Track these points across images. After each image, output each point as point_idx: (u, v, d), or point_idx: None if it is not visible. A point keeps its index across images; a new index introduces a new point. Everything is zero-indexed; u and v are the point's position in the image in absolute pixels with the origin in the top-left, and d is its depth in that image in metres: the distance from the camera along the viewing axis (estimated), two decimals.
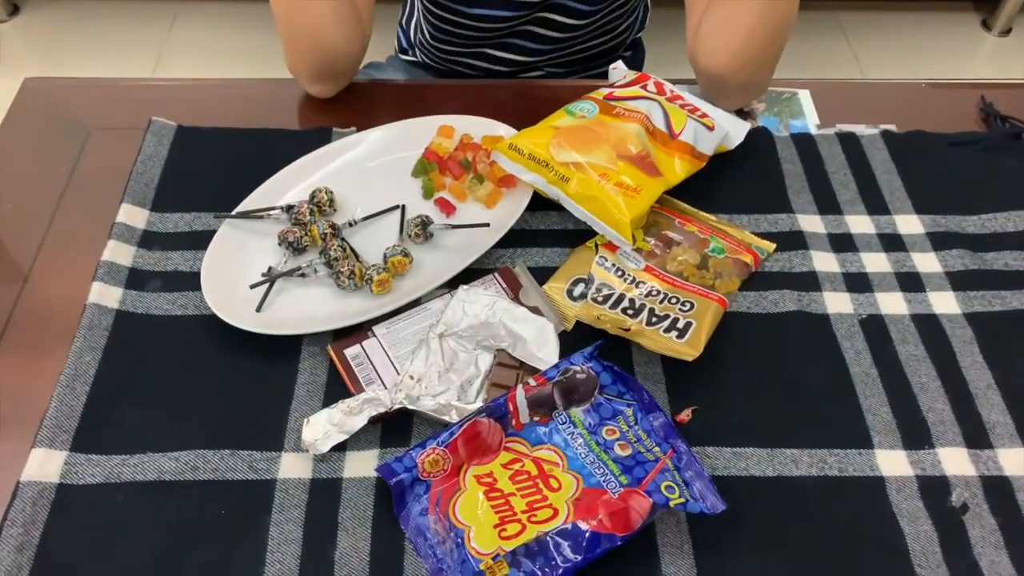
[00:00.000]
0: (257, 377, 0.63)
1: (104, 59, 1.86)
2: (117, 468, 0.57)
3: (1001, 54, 2.07)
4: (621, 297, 0.68)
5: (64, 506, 0.56)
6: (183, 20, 1.96)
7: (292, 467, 0.58)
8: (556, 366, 0.60)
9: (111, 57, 1.86)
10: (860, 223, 0.79)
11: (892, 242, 0.77)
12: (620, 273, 0.70)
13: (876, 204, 0.80)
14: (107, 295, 0.67)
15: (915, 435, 0.62)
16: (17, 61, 1.88)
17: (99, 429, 0.59)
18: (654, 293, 0.68)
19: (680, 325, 0.65)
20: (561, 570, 0.51)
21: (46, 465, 0.57)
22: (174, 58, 1.87)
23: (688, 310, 0.67)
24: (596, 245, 0.72)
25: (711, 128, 0.79)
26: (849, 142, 0.86)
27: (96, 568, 0.53)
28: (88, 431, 0.59)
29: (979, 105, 0.92)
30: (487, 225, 0.71)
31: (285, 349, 0.64)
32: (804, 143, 0.86)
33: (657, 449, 0.56)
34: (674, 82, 0.86)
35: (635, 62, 1.21)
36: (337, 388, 0.62)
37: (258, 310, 0.66)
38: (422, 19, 1.06)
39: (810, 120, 0.91)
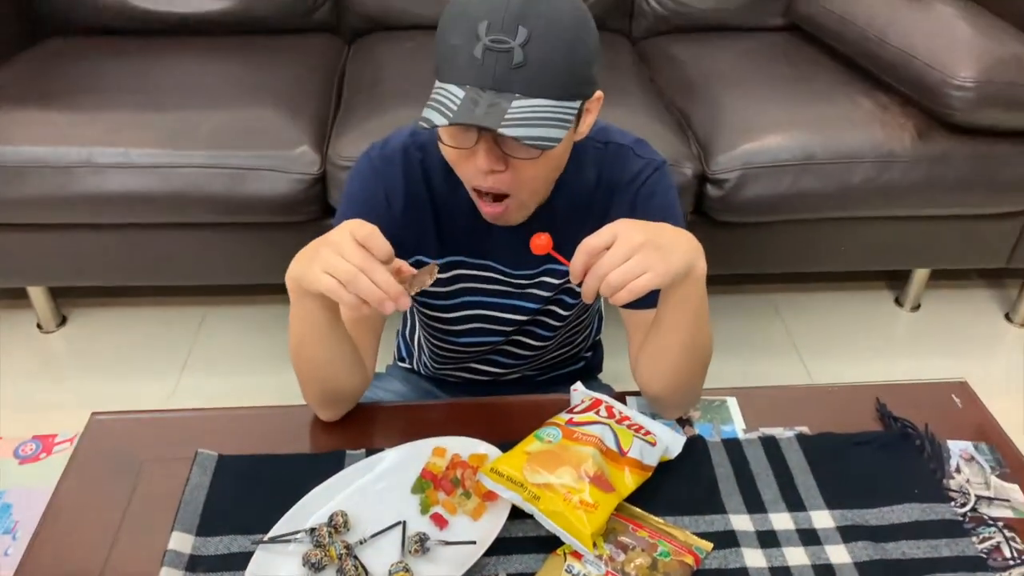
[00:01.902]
0: None
1: (139, 359, 2.04)
2: None
3: (913, 327, 2.30)
4: None
5: None
6: (210, 320, 2.18)
7: None
8: None
9: (145, 358, 2.05)
10: (781, 520, 0.90)
11: (809, 537, 0.88)
12: None
13: (794, 501, 0.92)
14: None
15: None
16: (64, 367, 2.06)
17: None
18: None
19: None
20: None
21: None
22: (202, 354, 2.07)
23: None
24: (564, 553, 0.84)
25: (653, 444, 0.94)
26: (770, 445, 0.99)
27: None
28: None
29: (875, 406, 1.08)
30: (474, 543, 0.83)
31: None
32: (733, 448, 0.99)
33: None
34: (624, 397, 1.02)
35: (595, 359, 1.40)
36: None
37: None
38: (425, 341, 1.25)
39: (737, 424, 1.04)
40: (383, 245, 0.82)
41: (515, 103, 0.81)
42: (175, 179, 1.74)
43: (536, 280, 1.10)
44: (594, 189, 1.04)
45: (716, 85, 2.04)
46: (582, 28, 0.86)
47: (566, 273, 1.09)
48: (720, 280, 2.32)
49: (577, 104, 0.87)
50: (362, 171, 1.05)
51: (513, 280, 1.10)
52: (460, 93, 0.82)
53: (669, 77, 2.14)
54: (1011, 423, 1.11)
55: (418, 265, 1.08)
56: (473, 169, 0.90)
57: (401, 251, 1.04)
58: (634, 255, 0.82)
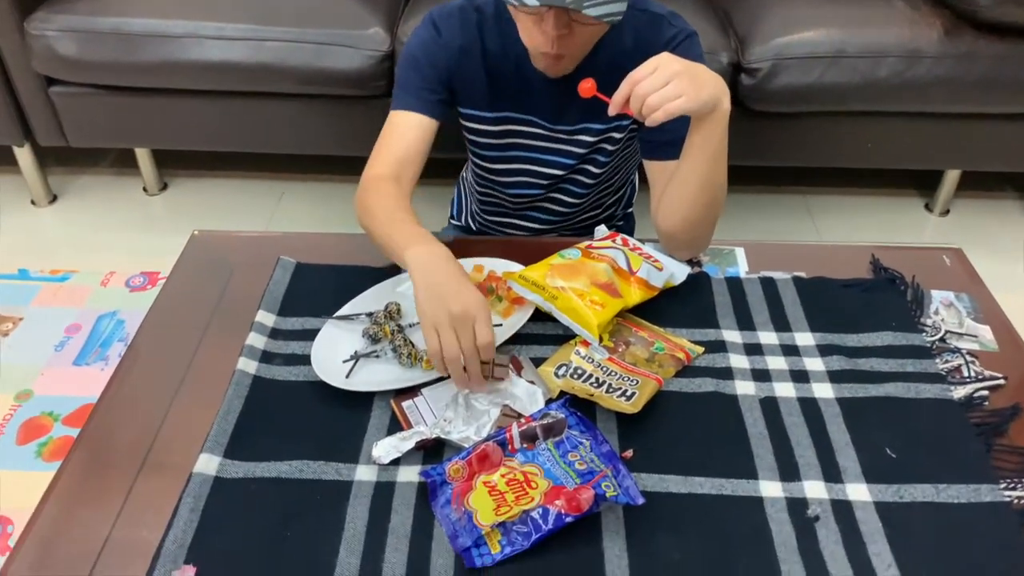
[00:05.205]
0: (344, 418, 0.87)
1: (227, 221, 2.22)
2: (252, 469, 0.81)
3: (941, 231, 2.30)
4: (590, 376, 0.91)
5: (217, 491, 0.79)
6: (289, 194, 2.34)
7: (364, 473, 0.81)
8: (539, 411, 0.83)
9: (233, 220, 2.23)
10: (768, 337, 0.99)
11: (790, 350, 0.97)
12: (590, 360, 0.93)
13: (781, 324, 1.01)
14: (248, 365, 0.92)
15: (788, 471, 0.82)
16: (164, 223, 2.25)
17: (240, 445, 0.83)
18: (613, 374, 0.91)
19: (628, 393, 0.88)
20: (534, 536, 0.72)
21: (208, 464, 0.81)
22: (282, 221, 2.24)
23: (635, 385, 0.89)
24: (576, 343, 0.96)
25: (660, 269, 1.04)
26: (767, 283, 1.07)
27: (246, 523, 0.76)
28: (234, 444, 0.83)
29: (870, 260, 1.15)
30: (500, 325, 0.95)
31: (364, 401, 0.88)
32: (733, 283, 1.07)
33: (603, 466, 0.78)
34: (644, 241, 1.12)
35: (626, 229, 1.48)
36: (395, 426, 0.85)
37: (347, 377, 0.90)
38: (476, 194, 1.36)
39: (742, 268, 1.12)
40: (490, 352, 0.87)
41: None
42: (263, 51, 1.86)
43: (574, 137, 1.19)
44: (631, 51, 1.11)
45: None
46: None
47: (600, 131, 1.18)
48: (755, 179, 2.38)
49: None
50: (422, 26, 1.14)
51: (554, 134, 1.19)
52: None
53: None
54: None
55: (470, 117, 1.18)
56: (541, 35, 0.99)
57: (451, 98, 1.16)
58: (672, 81, 0.89)
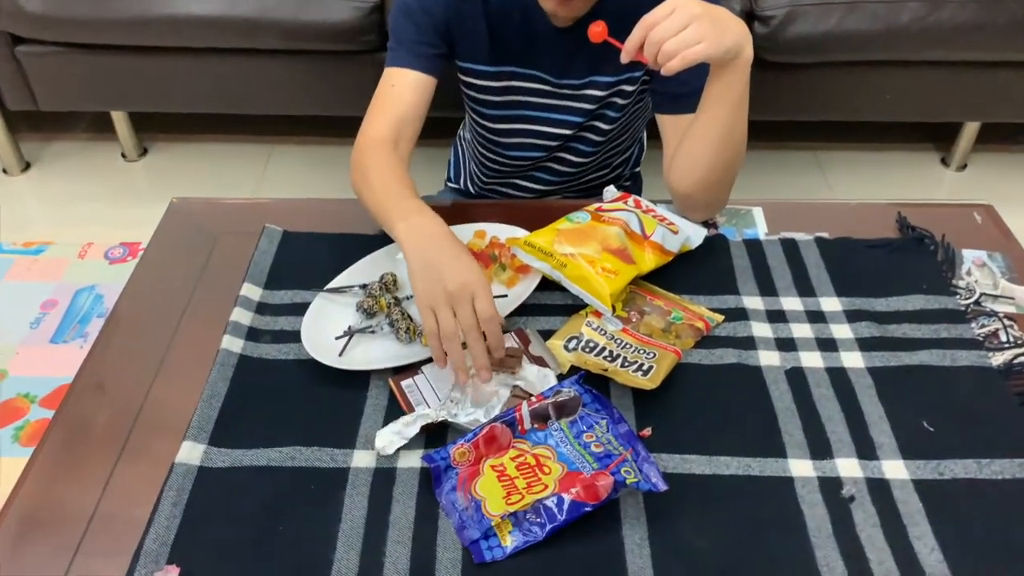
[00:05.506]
0: (338, 400, 0.81)
1: (212, 187, 2.15)
2: (239, 457, 0.76)
3: (958, 186, 2.25)
4: (603, 349, 0.86)
5: (202, 483, 0.74)
6: (276, 158, 2.27)
7: (361, 459, 0.76)
8: (551, 388, 0.77)
9: (217, 186, 2.16)
10: (792, 303, 0.95)
11: (816, 316, 0.93)
12: (603, 332, 0.88)
13: (805, 289, 0.96)
14: (233, 344, 0.87)
15: (819, 449, 0.78)
16: (145, 191, 2.19)
17: (225, 431, 0.78)
18: (628, 347, 0.86)
19: (645, 368, 0.83)
20: (548, 527, 0.67)
21: (191, 453, 0.76)
22: (270, 186, 2.17)
23: (652, 358, 0.84)
24: (587, 313, 0.91)
25: (675, 232, 0.99)
26: (789, 244, 1.03)
27: (234, 517, 0.72)
28: (219, 431, 0.78)
29: (896, 219, 1.10)
30: (505, 295, 0.90)
31: (359, 381, 0.83)
32: (753, 246, 1.03)
33: (621, 448, 0.73)
34: (656, 202, 1.06)
35: (634, 189, 1.42)
36: (394, 407, 0.80)
37: (340, 355, 0.85)
38: (476, 154, 1.30)
39: (760, 230, 1.07)
40: (494, 328, 0.81)
41: None
42: (243, 4, 1.79)
43: (581, 92, 1.12)
44: None
45: None
46: None
47: (609, 85, 1.11)
48: (764, 134, 2.30)
49: None
50: None
51: (559, 90, 1.12)
52: None
53: None
54: None
55: (469, 72, 1.12)
56: None
57: (449, 50, 1.09)
58: (690, 25, 0.82)
